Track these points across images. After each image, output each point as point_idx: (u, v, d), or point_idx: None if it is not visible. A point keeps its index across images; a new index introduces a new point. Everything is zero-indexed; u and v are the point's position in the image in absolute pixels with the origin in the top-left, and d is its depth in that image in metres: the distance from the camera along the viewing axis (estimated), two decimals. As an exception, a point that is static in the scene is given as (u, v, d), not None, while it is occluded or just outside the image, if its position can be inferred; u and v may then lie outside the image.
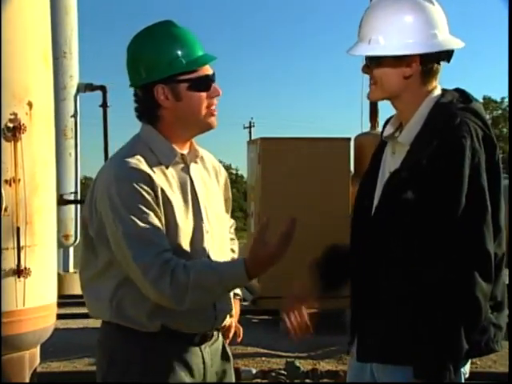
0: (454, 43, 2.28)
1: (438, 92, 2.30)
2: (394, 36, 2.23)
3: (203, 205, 2.40)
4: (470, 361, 2.29)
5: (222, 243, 2.48)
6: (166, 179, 2.33)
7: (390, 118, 2.44)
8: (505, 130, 47.31)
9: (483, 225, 2.13)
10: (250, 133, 43.62)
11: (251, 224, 9.36)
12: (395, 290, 2.20)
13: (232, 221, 2.77)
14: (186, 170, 2.40)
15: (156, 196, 2.26)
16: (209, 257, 2.37)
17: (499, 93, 57.43)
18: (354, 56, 2.29)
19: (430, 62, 2.25)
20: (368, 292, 2.29)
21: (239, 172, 48.49)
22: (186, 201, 2.36)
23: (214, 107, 2.38)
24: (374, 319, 2.27)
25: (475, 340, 2.16)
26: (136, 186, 2.23)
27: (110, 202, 2.24)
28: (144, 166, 2.28)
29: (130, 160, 2.28)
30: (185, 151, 2.42)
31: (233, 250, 2.72)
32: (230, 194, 2.70)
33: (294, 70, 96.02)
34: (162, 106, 2.34)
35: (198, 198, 2.39)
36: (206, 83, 2.36)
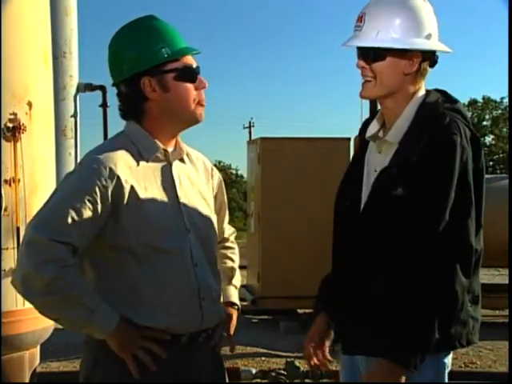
0: (446, 47, 2.35)
1: (423, 92, 2.35)
2: (402, 31, 2.28)
3: (184, 203, 2.36)
4: (451, 353, 2.35)
5: (206, 244, 2.41)
6: (143, 175, 2.29)
7: (368, 120, 2.49)
8: (505, 129, 47.35)
9: (468, 219, 2.20)
10: (250, 133, 43.61)
11: (251, 224, 9.36)
12: (381, 283, 2.24)
13: (232, 229, 2.73)
14: (168, 167, 2.36)
15: (117, 195, 2.22)
16: (191, 256, 2.33)
17: (499, 93, 57.51)
18: (352, 47, 2.32)
19: (426, 61, 2.31)
20: (354, 287, 2.32)
21: (239, 172, 48.58)
22: (163, 198, 2.31)
23: (202, 101, 2.36)
24: (357, 313, 2.30)
25: (457, 332, 2.24)
26: (96, 179, 2.20)
27: (63, 179, 2.30)
28: (117, 163, 2.24)
29: (106, 153, 2.26)
30: (169, 149, 2.38)
31: (231, 259, 2.67)
32: (225, 197, 2.64)
33: (293, 70, 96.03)
34: (148, 99, 2.32)
35: (177, 196, 2.35)
36: (192, 74, 2.33)
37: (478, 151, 2.28)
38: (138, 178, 2.28)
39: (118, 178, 2.23)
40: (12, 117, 3.56)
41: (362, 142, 2.47)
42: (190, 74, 2.33)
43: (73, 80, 10.25)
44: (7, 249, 3.53)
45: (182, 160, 2.42)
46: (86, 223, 2.18)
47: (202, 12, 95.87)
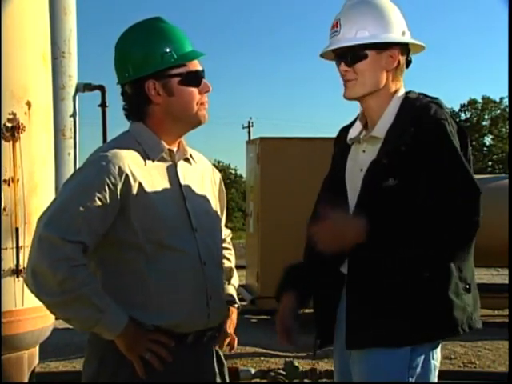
0: (420, 41, 2.44)
1: (403, 91, 2.42)
2: (378, 29, 2.35)
3: (190, 202, 2.37)
4: (440, 345, 2.37)
5: (213, 243, 2.44)
6: (150, 174, 2.31)
7: (345, 127, 2.54)
8: (504, 129, 47.36)
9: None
10: (249, 133, 43.60)
11: (250, 224, 9.36)
12: (381, 276, 2.26)
13: (228, 230, 2.73)
14: (173, 166, 2.38)
15: (126, 193, 2.23)
16: (199, 254, 2.34)
17: (498, 93, 57.50)
18: (327, 58, 2.42)
19: (404, 56, 2.39)
20: (355, 283, 2.33)
21: (238, 172, 48.52)
22: (170, 197, 2.33)
23: (204, 103, 2.38)
24: (360, 307, 2.31)
25: (457, 318, 2.27)
26: (105, 177, 2.21)
27: (70, 177, 2.31)
28: (125, 161, 2.26)
29: (114, 151, 2.27)
30: (174, 149, 2.40)
31: (229, 260, 2.68)
32: (225, 198, 2.65)
33: (293, 70, 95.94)
34: (152, 102, 2.33)
35: (183, 196, 2.36)
36: (196, 78, 2.35)
37: (465, 141, 2.32)
38: (146, 176, 2.29)
39: (127, 175, 2.24)
40: (11, 116, 3.56)
41: (340, 149, 2.51)
42: (194, 79, 2.35)
43: (72, 80, 10.24)
44: (6, 249, 3.53)
45: (186, 160, 2.44)
46: (95, 221, 2.20)
47: (202, 11, 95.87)
